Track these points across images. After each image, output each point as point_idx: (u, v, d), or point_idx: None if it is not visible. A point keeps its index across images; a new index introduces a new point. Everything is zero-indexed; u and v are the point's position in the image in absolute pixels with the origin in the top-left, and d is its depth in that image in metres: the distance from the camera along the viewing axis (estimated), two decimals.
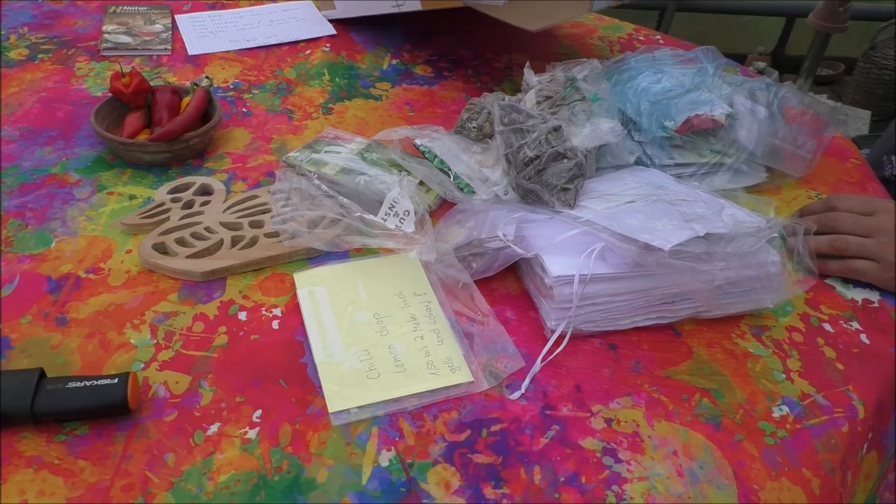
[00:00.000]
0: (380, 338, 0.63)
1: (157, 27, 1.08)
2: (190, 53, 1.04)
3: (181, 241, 0.70)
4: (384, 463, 0.54)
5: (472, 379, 0.60)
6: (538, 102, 0.80)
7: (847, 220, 0.73)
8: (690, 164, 0.80)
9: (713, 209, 0.68)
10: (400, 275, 0.69)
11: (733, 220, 0.66)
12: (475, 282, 0.68)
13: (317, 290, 0.67)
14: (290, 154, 0.82)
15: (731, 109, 0.81)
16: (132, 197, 0.77)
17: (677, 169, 0.80)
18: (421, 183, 0.78)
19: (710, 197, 0.72)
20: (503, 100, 0.75)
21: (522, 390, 0.59)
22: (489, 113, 0.84)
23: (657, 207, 0.68)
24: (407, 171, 0.79)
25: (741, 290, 0.66)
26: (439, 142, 0.81)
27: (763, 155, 0.82)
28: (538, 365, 0.61)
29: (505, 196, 0.74)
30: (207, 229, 0.72)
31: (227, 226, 0.72)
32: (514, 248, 0.65)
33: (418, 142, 0.81)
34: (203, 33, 1.09)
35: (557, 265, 0.63)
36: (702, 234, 0.62)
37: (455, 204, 0.75)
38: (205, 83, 0.87)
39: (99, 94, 0.93)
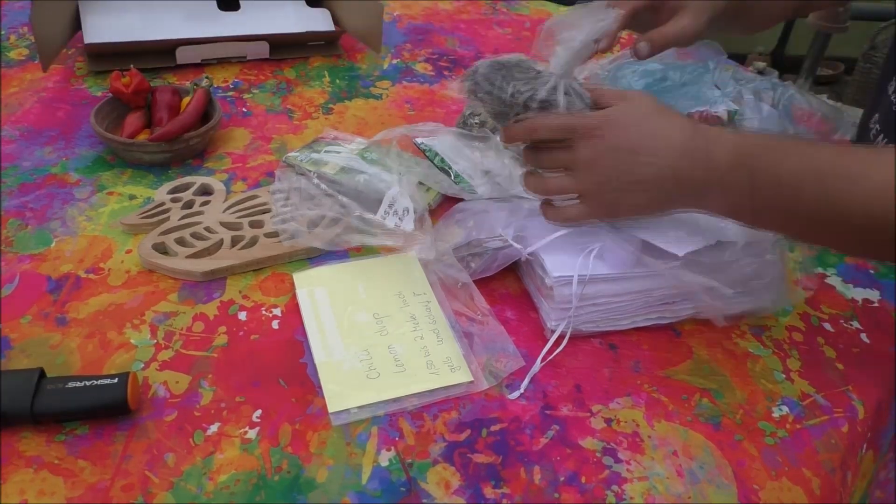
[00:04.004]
0: (379, 338, 0.63)
1: None
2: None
3: (181, 241, 0.70)
4: (384, 463, 0.54)
5: (472, 378, 0.60)
6: None
7: (543, 154, 0.61)
8: None
9: None
10: (399, 275, 0.69)
11: (738, 229, 0.65)
12: (474, 282, 0.68)
13: (316, 290, 0.67)
14: (289, 154, 0.82)
15: (735, 107, 0.80)
16: (132, 197, 0.77)
17: None
18: (420, 182, 0.78)
19: None
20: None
21: (521, 390, 0.59)
22: None
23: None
24: (406, 170, 0.79)
25: (741, 291, 0.66)
26: (439, 138, 0.81)
27: None
28: (538, 365, 0.61)
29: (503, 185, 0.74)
30: (207, 229, 0.72)
31: (227, 226, 0.72)
32: (515, 247, 0.65)
33: (418, 140, 0.81)
34: None
35: (558, 265, 0.63)
36: (713, 243, 0.62)
37: (455, 201, 0.75)
38: (205, 83, 0.87)
39: (99, 94, 0.93)
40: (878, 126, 0.90)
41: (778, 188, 0.53)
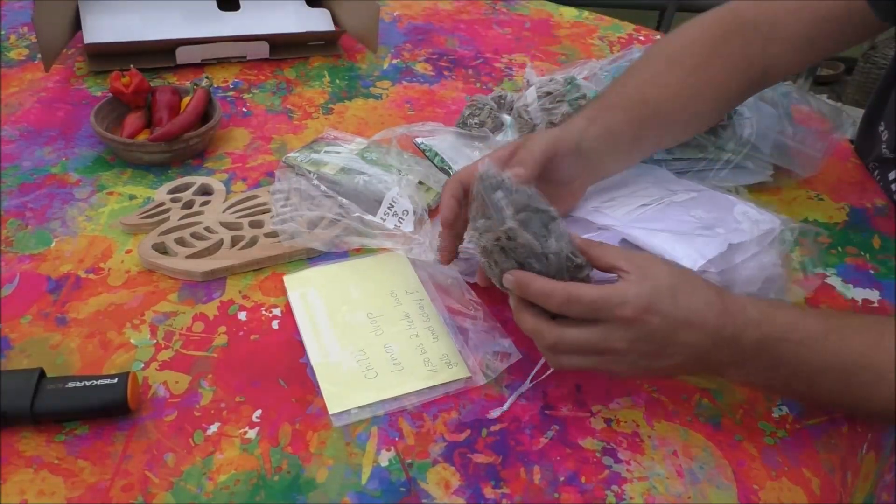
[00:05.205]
0: (375, 337, 0.63)
1: None
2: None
3: (181, 241, 0.70)
4: (384, 463, 0.54)
5: (470, 374, 0.60)
6: (539, 97, 0.80)
7: (561, 329, 0.54)
8: (688, 159, 0.80)
9: (724, 207, 0.67)
10: (390, 273, 0.69)
11: (747, 221, 0.65)
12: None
13: (308, 292, 0.67)
14: (289, 154, 0.82)
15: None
16: (132, 197, 0.77)
17: (675, 163, 0.80)
18: (420, 182, 0.78)
19: (720, 194, 0.71)
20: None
21: (504, 409, 0.58)
22: (492, 108, 0.84)
23: (673, 216, 0.67)
24: (406, 170, 0.79)
25: (743, 292, 0.65)
26: (440, 137, 0.81)
27: (771, 153, 0.82)
28: (528, 382, 0.60)
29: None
30: (207, 229, 0.72)
31: (227, 226, 0.72)
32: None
33: (419, 140, 0.81)
34: None
35: None
36: (725, 249, 0.62)
37: None
38: (205, 83, 0.87)
39: (99, 94, 0.93)
40: (874, 163, 0.91)
41: (797, 377, 0.55)
